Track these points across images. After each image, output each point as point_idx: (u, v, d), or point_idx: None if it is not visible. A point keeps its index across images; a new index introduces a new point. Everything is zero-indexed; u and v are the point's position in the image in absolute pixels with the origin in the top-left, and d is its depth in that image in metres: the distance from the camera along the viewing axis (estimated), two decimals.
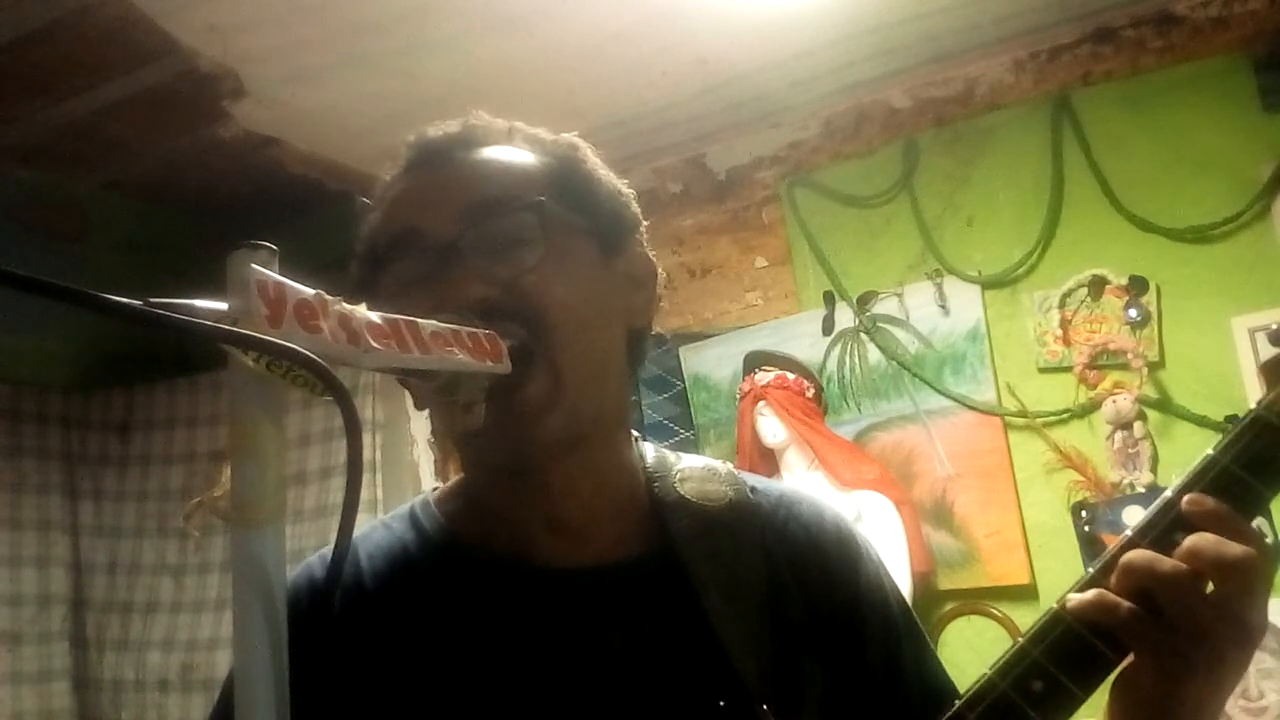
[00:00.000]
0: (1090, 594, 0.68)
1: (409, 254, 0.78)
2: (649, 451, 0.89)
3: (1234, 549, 0.66)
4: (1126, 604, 0.67)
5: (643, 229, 0.88)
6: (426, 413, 0.87)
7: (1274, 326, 0.75)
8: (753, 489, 0.88)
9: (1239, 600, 0.66)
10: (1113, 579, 0.68)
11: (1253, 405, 0.71)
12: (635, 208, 0.88)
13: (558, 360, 0.76)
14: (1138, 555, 0.68)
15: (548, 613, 0.78)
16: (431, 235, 0.77)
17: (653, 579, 0.80)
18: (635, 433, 0.89)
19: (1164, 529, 0.69)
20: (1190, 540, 0.67)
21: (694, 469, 0.88)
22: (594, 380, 0.80)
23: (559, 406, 0.76)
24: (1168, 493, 0.70)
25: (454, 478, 0.91)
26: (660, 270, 0.89)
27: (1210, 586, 0.67)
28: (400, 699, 0.76)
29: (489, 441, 0.74)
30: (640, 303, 0.87)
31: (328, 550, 0.86)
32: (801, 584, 0.82)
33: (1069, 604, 0.69)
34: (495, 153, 0.83)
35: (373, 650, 0.78)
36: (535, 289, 0.76)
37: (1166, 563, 0.66)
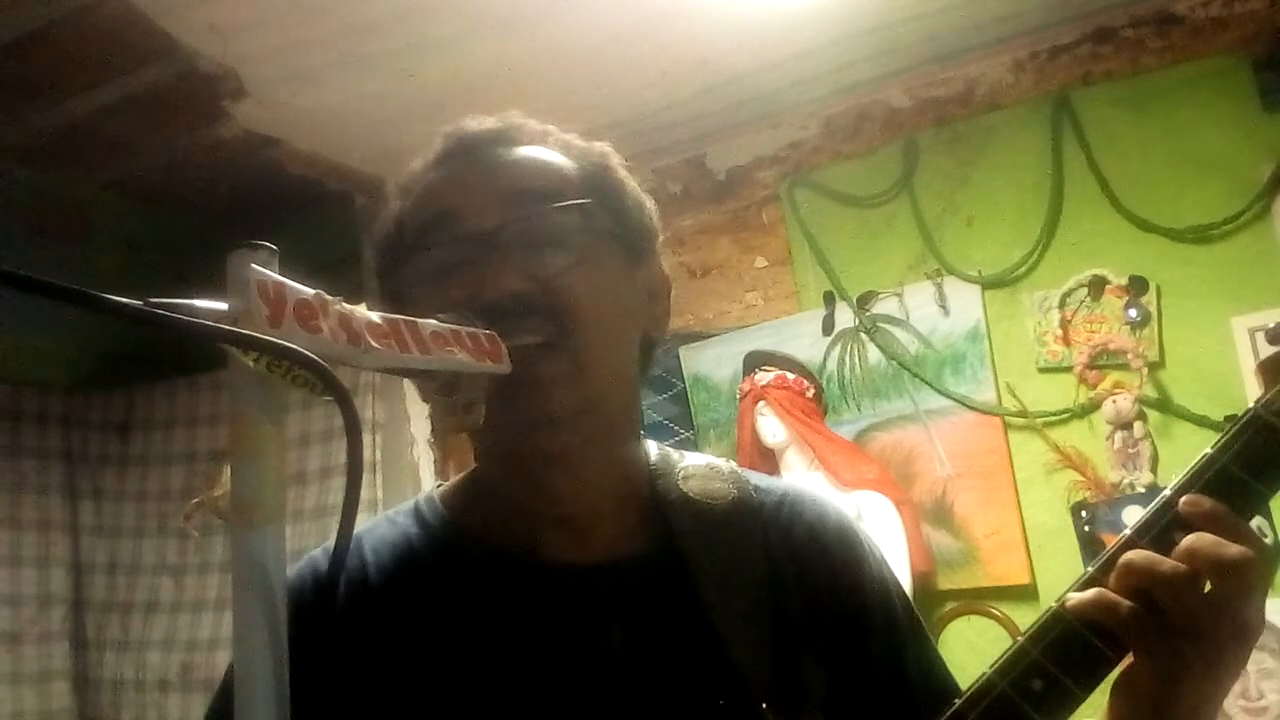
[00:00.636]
0: (1090, 593, 0.69)
1: (444, 238, 0.78)
2: (653, 450, 0.89)
3: (1231, 549, 0.66)
4: (1126, 603, 0.67)
5: (660, 242, 0.89)
6: (426, 413, 0.88)
7: (1272, 325, 0.75)
8: (755, 487, 0.88)
9: (1237, 599, 0.66)
10: (1112, 578, 0.68)
11: (1251, 404, 0.71)
12: (656, 220, 0.89)
13: (580, 356, 0.77)
14: (1137, 555, 0.68)
15: (550, 608, 0.78)
16: (472, 221, 0.78)
17: (655, 576, 0.80)
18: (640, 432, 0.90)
19: (1162, 528, 0.69)
20: (1188, 540, 0.67)
21: (697, 467, 0.88)
22: (611, 383, 0.81)
23: (574, 387, 0.76)
24: (1166, 492, 0.71)
25: (456, 474, 0.91)
26: (673, 284, 0.91)
27: (1208, 586, 0.67)
28: (403, 692, 0.76)
29: (502, 417, 0.75)
30: (658, 314, 0.89)
31: (332, 543, 0.86)
32: (804, 582, 0.82)
33: (1069, 603, 0.69)
34: (535, 151, 0.83)
35: (376, 643, 0.78)
36: (570, 289, 0.77)
37: (1165, 563, 0.67)
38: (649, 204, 0.88)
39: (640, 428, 0.89)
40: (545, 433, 0.76)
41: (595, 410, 0.78)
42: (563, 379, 0.75)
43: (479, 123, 0.85)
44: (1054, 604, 0.70)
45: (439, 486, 0.91)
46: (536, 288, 0.75)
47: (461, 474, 0.90)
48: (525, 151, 0.83)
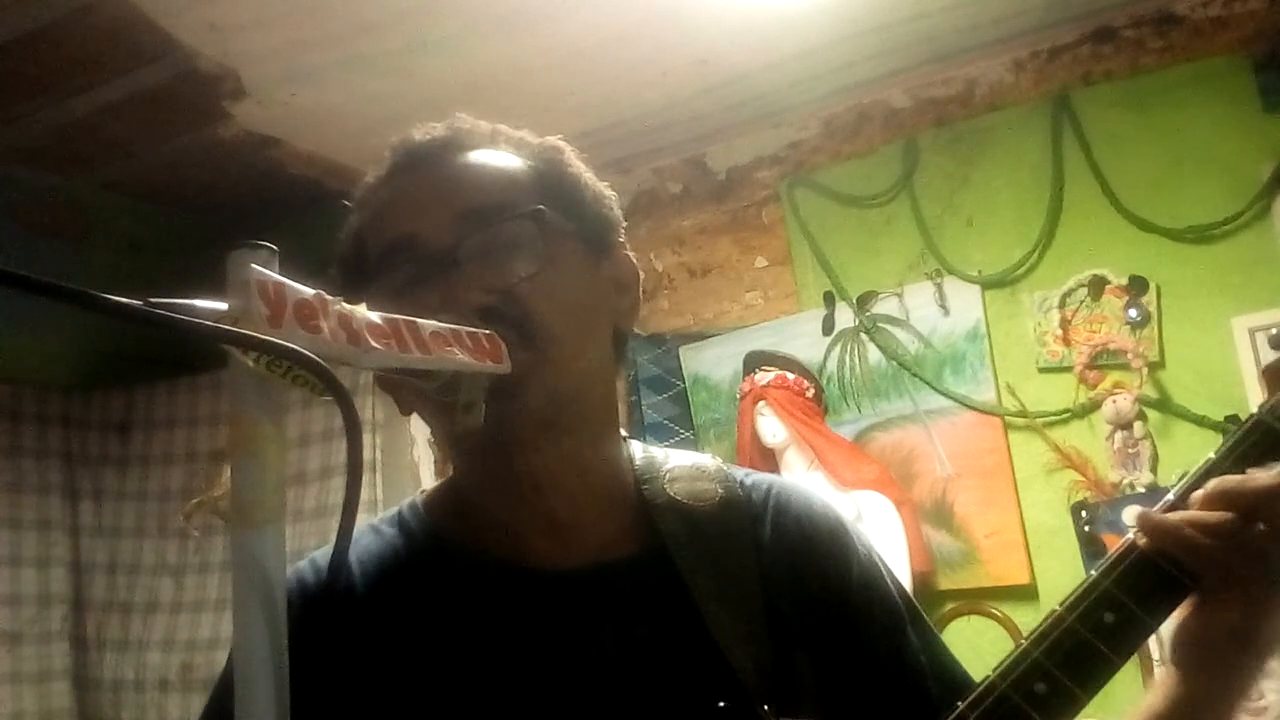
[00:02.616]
0: (1173, 517, 0.70)
1: (404, 260, 0.78)
2: (637, 451, 0.89)
3: None
4: (1219, 515, 0.68)
5: (623, 230, 0.89)
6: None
7: (1275, 330, 0.75)
8: (741, 483, 0.88)
9: None
10: (1199, 500, 0.70)
11: (1254, 408, 0.71)
12: (617, 210, 0.88)
13: (549, 356, 0.76)
14: (1226, 477, 0.70)
15: (540, 614, 0.78)
16: (428, 242, 0.77)
17: (645, 579, 0.80)
18: (624, 433, 0.89)
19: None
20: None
21: (683, 468, 0.88)
22: (583, 380, 0.80)
23: (544, 384, 0.76)
24: (1169, 496, 0.71)
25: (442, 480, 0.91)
26: (642, 272, 0.90)
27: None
28: (395, 703, 0.76)
29: None
30: (626, 306, 0.88)
31: (317, 554, 0.86)
32: (794, 577, 0.82)
33: (1143, 539, 0.70)
34: (485, 156, 0.83)
35: (366, 655, 0.77)
36: (532, 297, 0.76)
37: (1261, 476, 0.69)
38: (609, 194, 0.88)
39: (619, 422, 0.89)
40: (518, 432, 0.76)
41: (568, 406, 0.78)
42: (532, 377, 0.75)
43: (426, 132, 0.84)
44: (1057, 607, 0.70)
45: (422, 493, 0.90)
46: (498, 299, 0.75)
47: (444, 480, 0.90)
48: (476, 158, 0.82)
